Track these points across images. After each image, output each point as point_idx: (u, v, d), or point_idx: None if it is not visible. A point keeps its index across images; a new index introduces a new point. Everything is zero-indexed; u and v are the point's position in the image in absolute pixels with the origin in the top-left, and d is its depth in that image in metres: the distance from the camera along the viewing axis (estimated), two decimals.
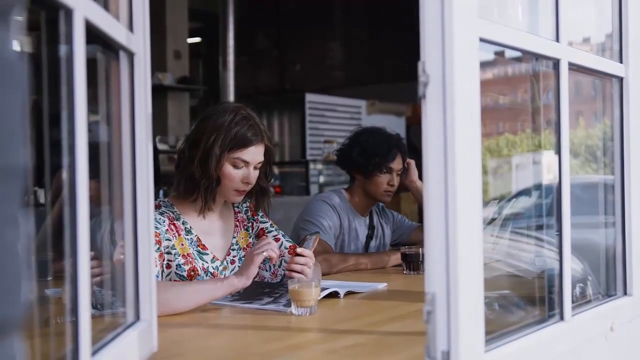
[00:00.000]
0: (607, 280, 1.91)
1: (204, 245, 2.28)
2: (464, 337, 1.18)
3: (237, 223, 2.43)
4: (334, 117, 8.43)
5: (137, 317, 1.40)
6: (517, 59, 1.77)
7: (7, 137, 0.59)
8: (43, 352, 1.19)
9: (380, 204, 3.25)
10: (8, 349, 0.60)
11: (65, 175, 1.03)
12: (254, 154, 2.25)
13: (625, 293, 1.85)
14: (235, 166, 2.23)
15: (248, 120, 2.26)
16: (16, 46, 0.62)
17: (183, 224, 2.27)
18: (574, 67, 1.62)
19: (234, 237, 2.40)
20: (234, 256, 2.38)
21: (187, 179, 2.25)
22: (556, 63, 1.55)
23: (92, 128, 1.12)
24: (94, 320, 1.10)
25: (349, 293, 2.23)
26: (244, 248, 2.41)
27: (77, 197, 1.02)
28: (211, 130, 2.21)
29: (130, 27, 1.38)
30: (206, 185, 2.22)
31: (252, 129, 2.25)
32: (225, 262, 2.33)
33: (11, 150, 0.60)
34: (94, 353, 1.11)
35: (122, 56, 1.36)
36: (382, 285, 2.40)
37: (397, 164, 3.08)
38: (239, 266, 2.34)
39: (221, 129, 2.21)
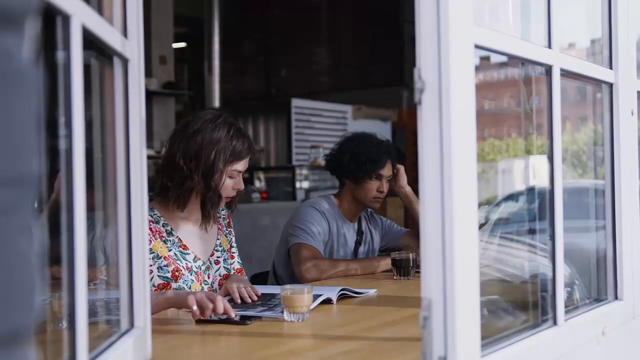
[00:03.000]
0: (598, 284, 1.92)
1: (185, 245, 2.34)
2: (460, 342, 1.18)
3: (220, 226, 2.51)
4: (320, 122, 8.42)
5: (132, 325, 1.39)
6: (502, 64, 1.78)
7: (21, 146, 0.59)
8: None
9: (369, 209, 3.25)
10: (23, 356, 0.60)
11: (62, 182, 1.02)
12: (246, 163, 2.38)
13: (616, 297, 1.86)
14: (231, 177, 2.34)
15: (241, 132, 2.36)
16: (30, 53, 0.61)
17: (163, 226, 2.32)
18: (565, 73, 1.63)
19: (218, 239, 2.47)
20: (218, 257, 2.45)
21: (187, 192, 2.30)
22: (548, 69, 1.56)
23: (85, 134, 1.11)
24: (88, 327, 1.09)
25: (342, 296, 2.23)
26: (227, 250, 2.49)
27: (74, 203, 1.02)
28: (208, 145, 2.28)
29: (125, 33, 1.37)
30: (213, 199, 2.31)
31: (247, 140, 2.36)
32: (208, 262, 2.40)
33: (26, 158, 0.60)
34: None
35: (116, 62, 1.35)
36: (372, 291, 2.40)
37: (387, 171, 3.08)
38: (223, 267, 2.44)
39: (219, 144, 2.29)
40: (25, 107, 0.59)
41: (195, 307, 1.85)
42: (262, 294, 2.25)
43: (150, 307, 2.01)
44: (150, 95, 7.51)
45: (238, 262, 2.56)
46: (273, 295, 2.23)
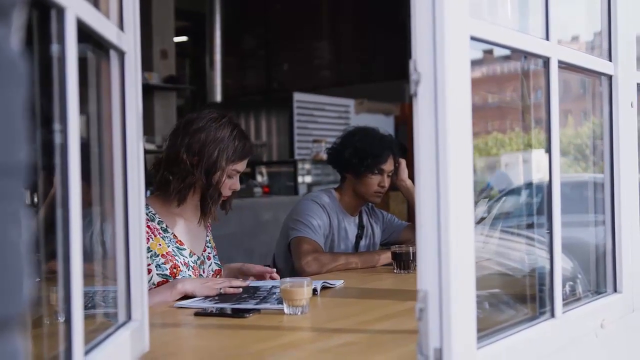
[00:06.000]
0: (597, 277, 1.92)
1: (180, 241, 2.37)
2: (456, 334, 1.19)
3: (208, 225, 2.55)
4: (322, 117, 8.42)
5: (129, 317, 1.39)
6: (506, 58, 1.77)
7: (11, 135, 0.59)
8: (35, 352, 1.18)
9: (370, 203, 3.25)
10: (12, 344, 0.61)
11: (57, 176, 1.02)
12: (245, 164, 2.42)
13: (615, 290, 1.86)
14: (229, 176, 2.37)
15: (243, 134, 2.41)
16: (17, 44, 0.62)
17: (158, 223, 2.35)
18: (564, 65, 1.63)
19: (207, 236, 2.52)
20: (209, 253, 2.50)
21: (187, 187, 2.33)
22: (546, 61, 1.56)
23: (81, 128, 1.11)
24: (84, 320, 1.10)
25: (324, 288, 2.29)
26: (214, 247, 2.54)
27: (69, 198, 1.02)
28: (212, 143, 2.31)
29: (121, 25, 1.37)
30: (213, 196, 2.34)
31: (249, 142, 2.41)
32: (202, 257, 2.44)
33: (14, 148, 0.60)
34: (87, 353, 1.11)
35: (113, 55, 1.35)
36: (339, 283, 2.44)
37: (388, 166, 3.08)
38: (215, 262, 2.50)
39: (223, 143, 2.32)
40: (12, 98, 0.60)
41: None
42: (248, 286, 2.28)
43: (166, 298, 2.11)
44: (151, 89, 7.51)
45: (216, 263, 2.57)
46: (257, 288, 2.25)
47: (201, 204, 2.38)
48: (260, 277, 2.46)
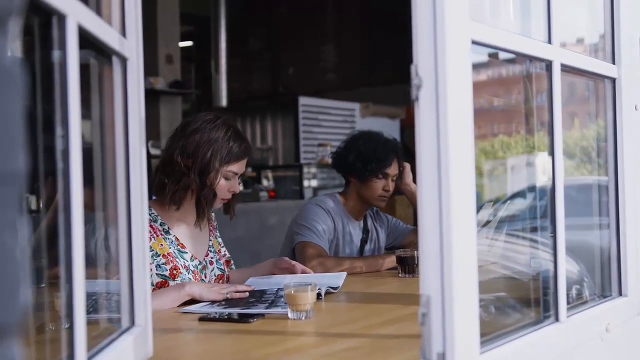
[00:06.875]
0: (602, 281, 1.91)
1: (182, 244, 2.38)
2: (459, 338, 1.18)
3: (211, 229, 2.55)
4: (327, 120, 8.42)
5: (132, 323, 1.39)
6: (511, 61, 1.77)
7: (8, 143, 0.59)
8: (38, 358, 1.19)
9: (375, 207, 3.25)
10: (8, 352, 0.60)
11: (59, 181, 1.02)
12: (243, 165, 2.41)
13: (620, 294, 1.85)
14: (226, 178, 2.37)
15: (239, 135, 2.40)
16: (14, 52, 0.62)
17: (161, 225, 2.36)
18: (567, 69, 1.62)
19: (210, 240, 2.52)
20: (211, 257, 2.50)
21: (183, 189, 2.33)
22: (549, 65, 1.55)
23: (84, 134, 1.11)
24: (88, 325, 1.10)
25: (328, 293, 2.28)
26: (217, 252, 2.53)
27: (71, 203, 1.02)
28: (205, 144, 2.32)
29: (123, 32, 1.37)
30: (207, 197, 2.34)
31: (245, 143, 2.40)
32: (204, 262, 2.44)
33: (11, 155, 0.60)
34: (90, 358, 1.11)
35: (115, 61, 1.36)
36: (342, 275, 2.47)
37: (393, 170, 3.08)
38: (217, 267, 2.49)
39: (217, 143, 2.32)
40: (9, 106, 0.60)
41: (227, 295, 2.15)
42: (254, 291, 2.27)
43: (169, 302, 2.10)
44: (157, 94, 7.51)
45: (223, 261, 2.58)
46: (264, 292, 2.24)
47: (196, 206, 2.37)
48: (291, 271, 2.51)
